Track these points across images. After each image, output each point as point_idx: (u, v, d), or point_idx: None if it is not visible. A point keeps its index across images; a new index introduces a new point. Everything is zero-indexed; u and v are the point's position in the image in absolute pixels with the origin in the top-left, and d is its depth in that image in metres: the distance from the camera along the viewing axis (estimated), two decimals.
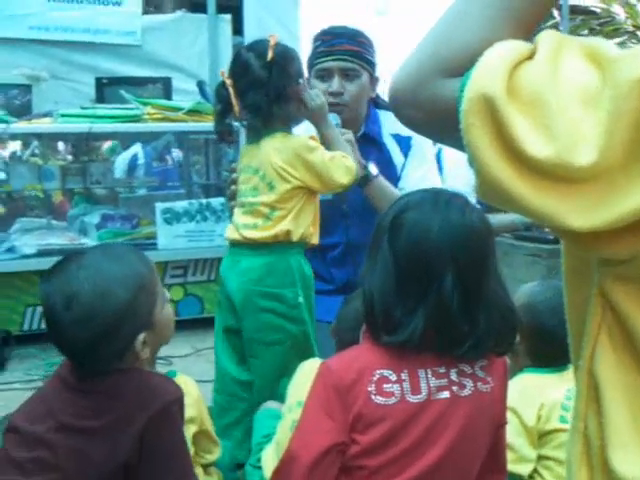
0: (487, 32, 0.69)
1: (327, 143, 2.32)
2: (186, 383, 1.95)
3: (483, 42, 0.67)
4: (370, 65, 2.55)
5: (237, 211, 2.35)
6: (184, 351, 3.46)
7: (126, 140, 4.27)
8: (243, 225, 2.30)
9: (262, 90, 2.23)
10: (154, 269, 1.58)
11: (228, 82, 2.29)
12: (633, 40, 6.75)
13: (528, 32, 0.71)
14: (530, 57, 0.64)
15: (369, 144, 2.61)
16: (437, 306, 1.38)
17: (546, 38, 0.65)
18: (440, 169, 3.34)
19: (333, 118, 2.45)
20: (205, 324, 3.70)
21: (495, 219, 3.38)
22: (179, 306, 3.78)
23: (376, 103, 2.70)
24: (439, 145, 3.60)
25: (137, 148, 4.66)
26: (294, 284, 2.29)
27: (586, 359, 0.72)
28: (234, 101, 2.27)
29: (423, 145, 2.67)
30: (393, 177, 2.61)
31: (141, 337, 1.50)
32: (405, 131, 2.60)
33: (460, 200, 1.48)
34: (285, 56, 2.26)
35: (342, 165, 2.27)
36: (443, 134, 0.74)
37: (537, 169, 0.62)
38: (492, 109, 0.62)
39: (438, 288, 1.38)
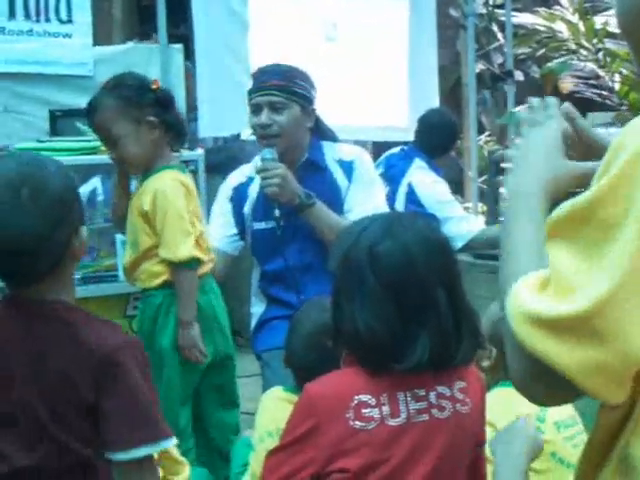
0: (534, 264, 0.91)
1: None
2: None
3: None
4: (301, 97, 2.67)
5: None
6: None
7: (84, 173, 4.20)
8: None
9: None
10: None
11: None
12: (574, 58, 6.90)
13: None
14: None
15: (313, 169, 2.76)
16: (436, 327, 1.43)
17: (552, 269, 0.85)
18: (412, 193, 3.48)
19: (269, 152, 2.59)
20: None
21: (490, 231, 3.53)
22: None
23: (322, 135, 2.82)
24: (409, 179, 3.68)
25: (96, 183, 4.57)
26: None
27: None
28: None
29: (366, 167, 2.81)
30: (337, 199, 2.73)
31: (83, 230, 1.53)
32: (347, 156, 2.79)
33: (424, 219, 1.53)
34: None
35: None
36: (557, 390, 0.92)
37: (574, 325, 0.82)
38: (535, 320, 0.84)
39: (435, 309, 1.43)
